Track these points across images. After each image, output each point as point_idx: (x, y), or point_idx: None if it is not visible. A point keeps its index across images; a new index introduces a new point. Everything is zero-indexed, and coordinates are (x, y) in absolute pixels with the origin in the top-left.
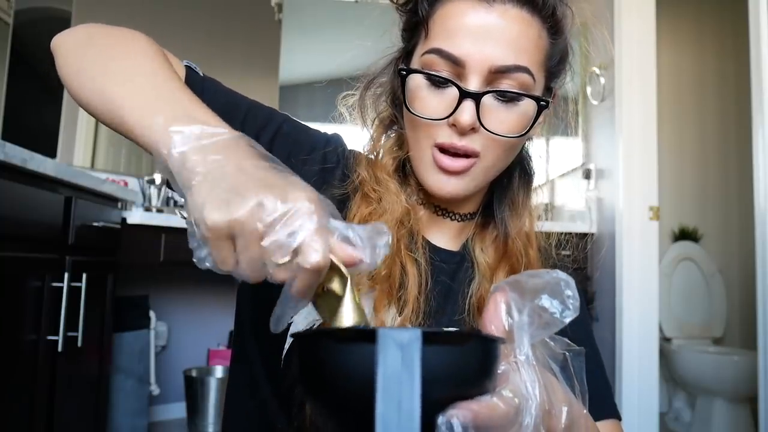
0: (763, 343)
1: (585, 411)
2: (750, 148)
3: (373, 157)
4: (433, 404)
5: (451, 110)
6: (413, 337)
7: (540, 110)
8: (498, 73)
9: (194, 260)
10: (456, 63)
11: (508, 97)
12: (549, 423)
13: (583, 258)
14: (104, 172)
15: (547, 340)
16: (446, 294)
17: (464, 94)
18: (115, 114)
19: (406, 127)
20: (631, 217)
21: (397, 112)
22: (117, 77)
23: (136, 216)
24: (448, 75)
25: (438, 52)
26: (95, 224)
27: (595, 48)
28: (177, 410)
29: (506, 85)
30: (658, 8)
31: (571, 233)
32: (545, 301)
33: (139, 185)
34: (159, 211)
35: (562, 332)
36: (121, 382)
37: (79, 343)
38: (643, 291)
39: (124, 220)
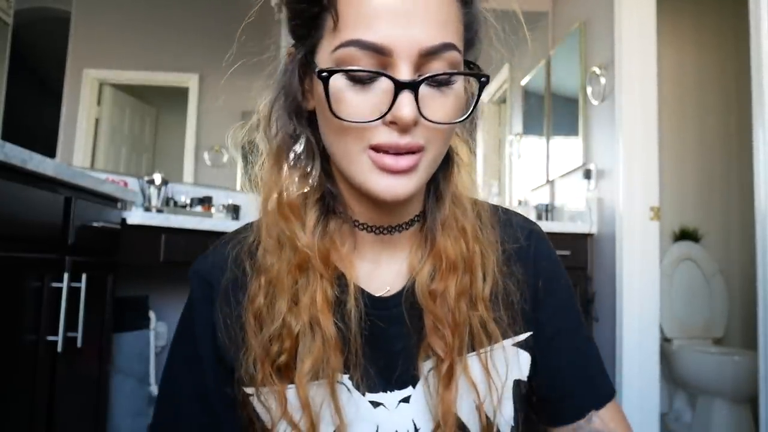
0: (764, 343)
1: None
2: (751, 147)
3: (275, 199)
4: None
5: (387, 107)
6: None
7: (482, 86)
8: (427, 55)
9: None
10: (380, 52)
11: (441, 81)
12: None
13: (583, 258)
14: (104, 172)
15: None
16: (390, 342)
17: (400, 86)
18: None
19: (327, 140)
20: (632, 217)
21: (301, 128)
22: None
23: (136, 216)
24: (374, 68)
25: (357, 43)
26: (95, 224)
27: (596, 47)
28: None
29: (438, 67)
30: (659, 7)
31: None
32: None
33: (139, 185)
34: (159, 211)
35: (549, 305)
36: (121, 382)
37: (79, 344)
38: (643, 291)
39: (123, 220)
